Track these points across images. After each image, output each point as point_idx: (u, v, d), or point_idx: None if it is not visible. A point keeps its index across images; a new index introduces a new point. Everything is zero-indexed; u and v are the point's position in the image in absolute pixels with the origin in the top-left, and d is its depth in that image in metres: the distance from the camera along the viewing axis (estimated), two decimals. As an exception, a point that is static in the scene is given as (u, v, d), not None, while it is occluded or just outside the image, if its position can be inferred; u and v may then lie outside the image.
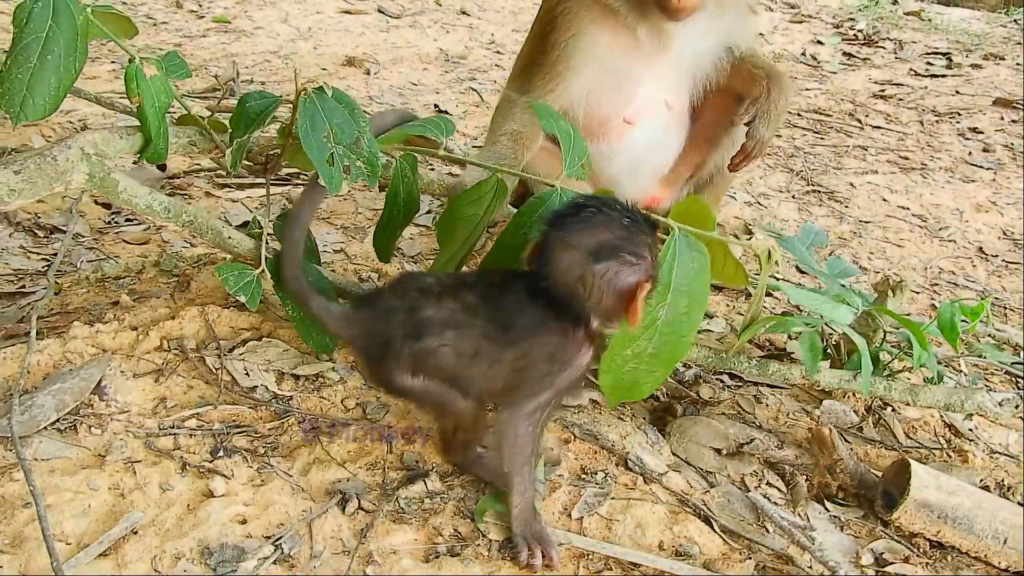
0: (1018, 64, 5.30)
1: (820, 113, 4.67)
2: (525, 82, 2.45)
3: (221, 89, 4.29)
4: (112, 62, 4.81)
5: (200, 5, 5.96)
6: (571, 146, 1.78)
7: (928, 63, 5.35)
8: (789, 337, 2.54)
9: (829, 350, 2.11)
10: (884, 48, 5.59)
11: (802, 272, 3.04)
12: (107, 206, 2.69)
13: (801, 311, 2.42)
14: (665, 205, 2.81)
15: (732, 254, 1.68)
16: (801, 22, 6.03)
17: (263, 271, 1.69)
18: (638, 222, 1.47)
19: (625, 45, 2.30)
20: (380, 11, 5.96)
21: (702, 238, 1.59)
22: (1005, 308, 3.08)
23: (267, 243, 1.73)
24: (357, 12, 5.91)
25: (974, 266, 3.33)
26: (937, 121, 4.56)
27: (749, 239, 3.54)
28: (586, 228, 1.44)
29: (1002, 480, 1.89)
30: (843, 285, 1.94)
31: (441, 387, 1.49)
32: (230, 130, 1.69)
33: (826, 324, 1.75)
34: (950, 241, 3.47)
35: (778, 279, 1.88)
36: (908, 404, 1.79)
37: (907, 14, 6.28)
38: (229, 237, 1.72)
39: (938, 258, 3.35)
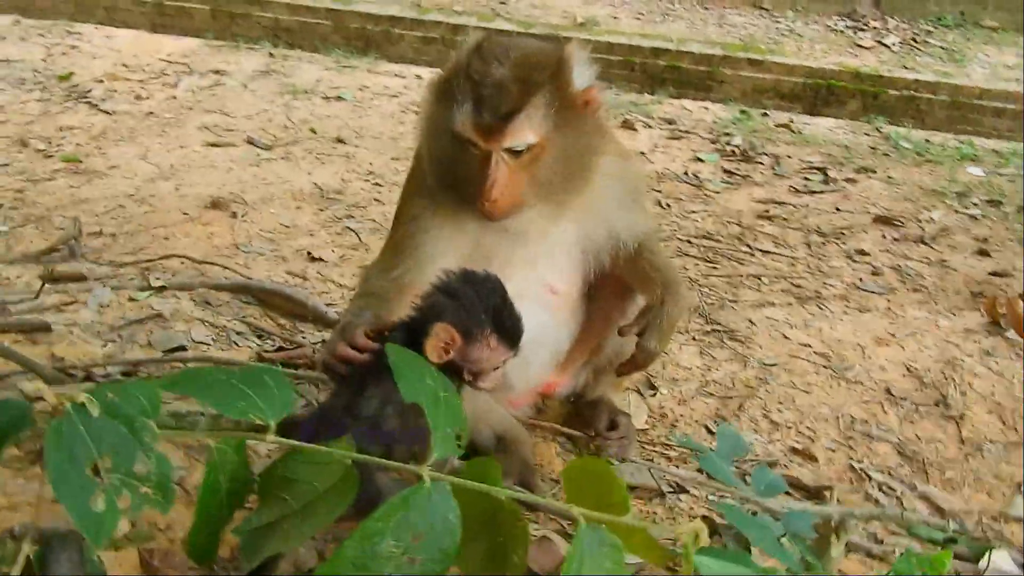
0: (889, 177, 5.45)
1: (709, 238, 4.60)
2: (388, 270, 2.23)
3: (59, 251, 3.82)
4: None
5: (49, 143, 5.46)
6: (439, 415, 1.35)
7: (806, 179, 5.43)
8: None
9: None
10: (762, 163, 5.66)
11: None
12: None
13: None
14: (562, 391, 2.59)
15: (650, 535, 1.39)
16: (679, 138, 6.08)
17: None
18: None
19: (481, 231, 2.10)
20: (250, 142, 5.62)
21: (616, 527, 1.28)
22: (924, 462, 2.94)
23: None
24: (225, 145, 5.55)
25: (885, 412, 3.20)
26: (823, 243, 4.56)
27: (653, 395, 3.33)
28: None
29: None
30: (779, 540, 1.68)
31: None
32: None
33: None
34: (856, 383, 3.34)
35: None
36: None
37: (778, 126, 6.45)
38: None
39: (847, 404, 3.20)
